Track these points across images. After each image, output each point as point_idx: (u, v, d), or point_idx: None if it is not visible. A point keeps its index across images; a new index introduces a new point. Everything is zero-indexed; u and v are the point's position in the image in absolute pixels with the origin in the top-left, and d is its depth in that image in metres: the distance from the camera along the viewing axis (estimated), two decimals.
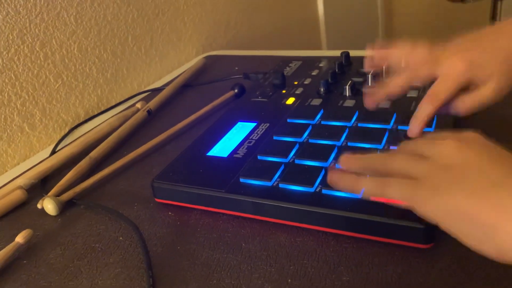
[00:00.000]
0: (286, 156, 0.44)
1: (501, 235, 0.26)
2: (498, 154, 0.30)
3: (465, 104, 0.42)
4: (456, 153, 0.30)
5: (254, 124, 0.52)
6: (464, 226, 0.28)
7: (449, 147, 0.31)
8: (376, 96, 0.45)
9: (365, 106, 0.46)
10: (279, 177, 0.42)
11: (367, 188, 0.33)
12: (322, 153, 0.43)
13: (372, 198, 0.35)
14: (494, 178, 0.28)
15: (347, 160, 0.36)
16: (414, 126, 0.42)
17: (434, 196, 0.29)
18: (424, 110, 0.41)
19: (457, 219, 0.28)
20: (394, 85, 0.44)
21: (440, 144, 0.31)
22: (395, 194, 0.31)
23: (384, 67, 0.51)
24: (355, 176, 0.34)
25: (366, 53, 0.49)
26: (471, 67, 0.41)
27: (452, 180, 0.29)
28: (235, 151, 0.47)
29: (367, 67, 0.50)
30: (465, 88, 0.42)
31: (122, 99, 0.77)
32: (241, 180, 0.42)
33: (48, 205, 0.47)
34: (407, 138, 0.44)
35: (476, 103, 0.42)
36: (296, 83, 0.62)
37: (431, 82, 0.43)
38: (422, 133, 0.42)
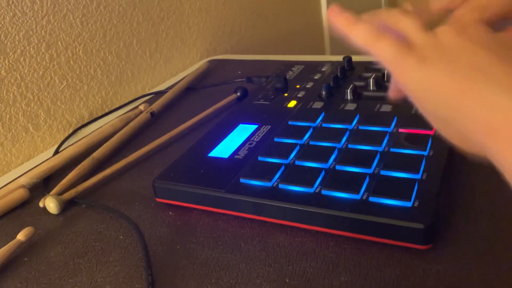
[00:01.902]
0: (286, 157, 0.44)
1: (468, 118, 0.25)
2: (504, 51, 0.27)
3: None
4: (458, 39, 0.28)
5: (255, 126, 0.53)
6: (436, 105, 0.27)
7: (454, 32, 0.28)
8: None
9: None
10: (279, 177, 0.42)
11: (360, 32, 0.31)
12: (322, 154, 0.44)
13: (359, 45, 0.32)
14: (485, 66, 0.26)
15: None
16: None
17: (419, 67, 0.28)
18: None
19: (432, 97, 0.27)
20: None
21: (449, 26, 0.29)
22: (384, 49, 0.29)
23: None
24: (353, 19, 0.32)
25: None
26: None
27: (442, 58, 0.27)
28: (236, 152, 0.48)
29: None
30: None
31: (126, 101, 0.78)
32: (241, 180, 0.43)
33: (50, 204, 0.48)
34: (408, 140, 0.44)
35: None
36: (298, 86, 0.63)
37: None
38: None
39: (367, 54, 0.31)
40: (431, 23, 0.31)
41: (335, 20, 0.33)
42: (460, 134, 0.27)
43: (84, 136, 0.63)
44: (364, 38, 0.31)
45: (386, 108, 0.52)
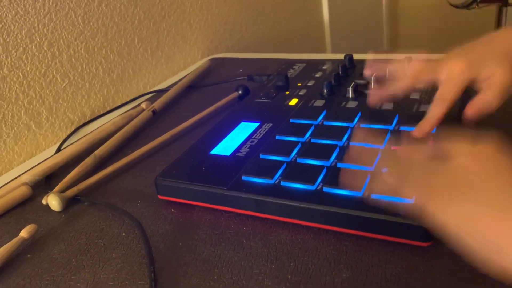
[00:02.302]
0: (288, 155, 0.45)
1: (507, 257, 0.26)
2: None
3: (473, 107, 0.43)
4: (468, 170, 0.30)
5: (257, 124, 0.53)
6: (473, 237, 0.28)
7: (464, 164, 0.30)
8: (380, 95, 0.46)
9: (368, 103, 0.47)
10: (280, 175, 0.42)
11: (382, 186, 0.33)
12: (323, 152, 0.44)
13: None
14: (503, 199, 0.28)
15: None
16: (424, 127, 0.43)
17: (451, 202, 0.29)
18: (434, 113, 0.43)
19: (470, 228, 0.28)
20: (397, 89, 0.45)
21: (455, 161, 0.31)
22: (411, 193, 0.31)
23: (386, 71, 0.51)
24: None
25: (368, 58, 0.50)
26: (471, 66, 0.42)
27: (466, 192, 0.29)
28: (237, 150, 0.48)
29: (367, 72, 0.51)
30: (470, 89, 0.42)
31: (128, 100, 0.78)
32: (243, 178, 0.43)
33: (53, 201, 0.48)
34: (409, 138, 0.44)
35: (483, 104, 0.42)
36: (299, 84, 0.63)
37: (434, 87, 0.44)
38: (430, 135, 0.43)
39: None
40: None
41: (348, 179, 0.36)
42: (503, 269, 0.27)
43: (86, 134, 0.63)
44: (388, 189, 0.33)
45: (387, 106, 0.52)
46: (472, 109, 0.43)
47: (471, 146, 0.31)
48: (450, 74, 0.42)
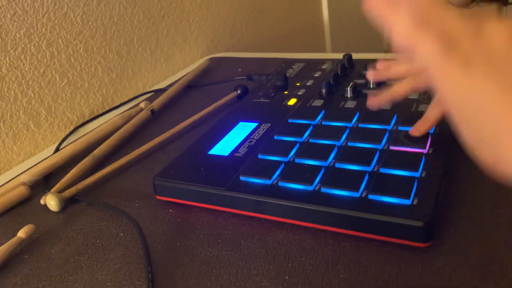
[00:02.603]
0: (286, 155, 0.45)
1: (506, 142, 0.23)
2: None
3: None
4: (505, 45, 0.25)
5: (255, 124, 0.53)
6: (475, 119, 0.24)
7: (500, 36, 0.25)
8: (379, 97, 0.45)
9: (367, 105, 0.47)
10: (278, 175, 0.42)
11: (401, 20, 0.27)
12: (322, 152, 0.44)
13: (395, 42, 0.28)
14: None
15: None
16: (420, 127, 0.43)
17: (464, 72, 0.24)
18: (432, 113, 0.43)
19: (472, 108, 0.24)
20: (397, 90, 0.44)
21: (491, 29, 0.26)
22: (426, 46, 0.26)
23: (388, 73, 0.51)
24: (395, 2, 0.28)
25: (368, 71, 0.49)
26: None
27: (492, 68, 0.24)
28: (236, 150, 0.48)
29: (369, 75, 0.50)
30: None
31: (127, 99, 0.78)
32: (241, 178, 0.43)
33: (51, 201, 0.48)
34: (408, 137, 0.44)
35: None
36: (298, 84, 0.63)
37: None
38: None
39: (401, 49, 0.28)
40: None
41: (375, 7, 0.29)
42: (496, 155, 0.24)
43: (85, 134, 0.63)
44: (405, 28, 0.27)
45: (386, 106, 0.52)
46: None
47: (507, 27, 0.26)
48: None
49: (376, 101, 0.46)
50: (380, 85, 0.57)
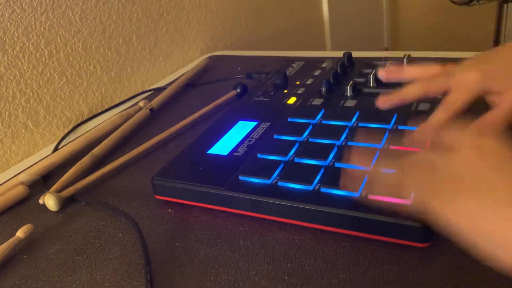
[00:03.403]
0: (285, 154, 0.44)
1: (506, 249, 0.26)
2: None
3: (486, 121, 0.41)
4: (471, 165, 0.29)
5: (255, 123, 0.53)
6: (478, 234, 0.27)
7: (467, 158, 0.29)
8: (390, 98, 0.45)
9: (377, 104, 0.46)
10: (278, 175, 0.42)
11: (384, 183, 0.32)
12: (321, 152, 0.44)
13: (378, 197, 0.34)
14: (508, 195, 0.27)
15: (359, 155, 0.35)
16: (424, 130, 0.42)
17: (454, 198, 0.28)
18: (438, 117, 0.41)
19: (475, 225, 0.27)
20: (409, 93, 0.44)
21: (458, 154, 0.30)
22: (412, 191, 0.30)
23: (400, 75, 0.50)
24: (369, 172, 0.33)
25: (379, 70, 0.48)
26: (486, 78, 0.40)
27: (471, 189, 0.28)
28: (235, 149, 0.48)
29: (380, 74, 0.49)
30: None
31: (126, 98, 0.78)
32: (241, 178, 0.42)
33: (49, 201, 0.48)
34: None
35: (496, 118, 0.41)
36: (298, 83, 0.63)
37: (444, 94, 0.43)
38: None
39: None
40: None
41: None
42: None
43: (84, 133, 0.63)
44: (388, 187, 0.32)
45: (380, 107, 0.51)
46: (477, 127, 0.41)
47: (474, 139, 0.30)
48: (463, 82, 0.41)
49: (386, 100, 0.45)
50: (381, 84, 0.57)
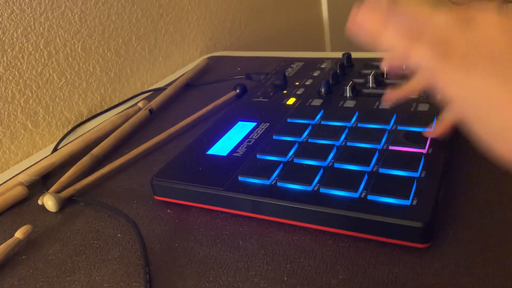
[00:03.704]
0: (285, 155, 0.44)
1: None
2: None
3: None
4: (499, 35, 0.25)
5: (254, 124, 0.53)
6: (484, 116, 0.25)
7: (491, 32, 0.26)
8: (397, 93, 0.44)
9: (383, 100, 0.45)
10: (277, 175, 0.42)
11: (391, 36, 0.28)
12: (320, 152, 0.44)
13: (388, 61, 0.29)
14: None
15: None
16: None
17: (465, 71, 0.25)
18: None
19: (479, 106, 0.25)
20: (415, 85, 0.43)
21: (481, 25, 0.26)
22: (421, 55, 0.26)
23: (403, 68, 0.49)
24: (382, 20, 0.29)
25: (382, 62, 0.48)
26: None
27: (489, 61, 0.25)
28: (234, 150, 0.48)
29: (384, 66, 0.48)
30: None
31: (125, 98, 0.78)
32: (240, 178, 0.42)
33: (48, 202, 0.47)
34: (407, 137, 0.44)
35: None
36: (297, 83, 0.63)
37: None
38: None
39: (401, 61, 0.29)
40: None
41: (363, 24, 0.30)
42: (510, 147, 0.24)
43: (83, 133, 0.63)
44: (397, 43, 0.28)
45: (385, 105, 0.52)
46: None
47: (499, 16, 0.26)
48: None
49: (393, 95, 0.44)
50: (380, 85, 0.57)
